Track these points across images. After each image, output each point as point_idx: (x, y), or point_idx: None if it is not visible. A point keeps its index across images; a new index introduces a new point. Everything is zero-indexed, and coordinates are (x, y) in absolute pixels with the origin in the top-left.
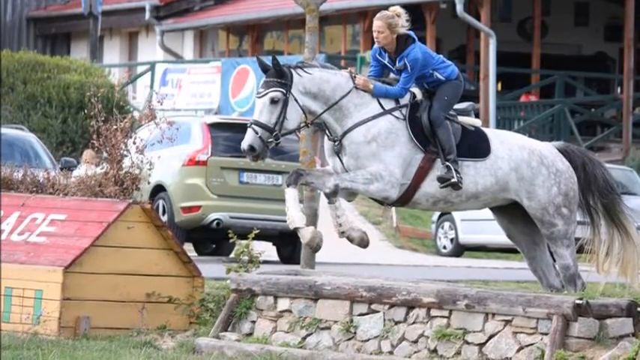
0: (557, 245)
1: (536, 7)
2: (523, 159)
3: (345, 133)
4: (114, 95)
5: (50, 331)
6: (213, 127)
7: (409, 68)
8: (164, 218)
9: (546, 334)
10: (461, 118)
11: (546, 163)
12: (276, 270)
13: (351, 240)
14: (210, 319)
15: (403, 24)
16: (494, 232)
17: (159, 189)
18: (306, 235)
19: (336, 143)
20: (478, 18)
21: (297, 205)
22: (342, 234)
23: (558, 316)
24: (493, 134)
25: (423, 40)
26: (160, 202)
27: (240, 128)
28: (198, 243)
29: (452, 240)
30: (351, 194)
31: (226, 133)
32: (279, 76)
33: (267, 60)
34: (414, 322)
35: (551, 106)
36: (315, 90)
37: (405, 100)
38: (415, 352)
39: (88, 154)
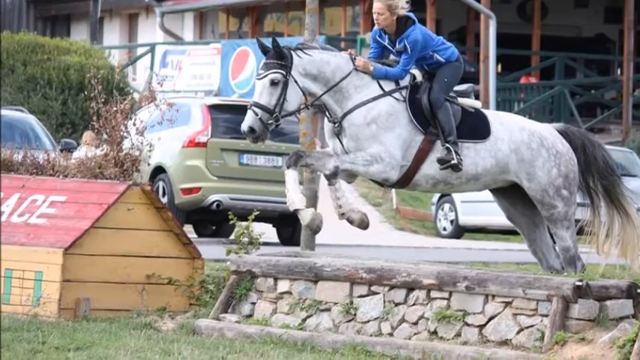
0: (557, 227)
1: None
2: (523, 141)
3: (345, 115)
4: (114, 77)
5: (50, 313)
6: (213, 108)
7: (409, 50)
8: (164, 200)
9: (546, 315)
10: (461, 100)
11: (546, 145)
12: (276, 252)
13: (351, 222)
14: (210, 301)
15: (403, 5)
16: (494, 214)
17: (159, 170)
18: (306, 216)
19: (336, 125)
20: None
21: (297, 186)
22: (342, 216)
23: (558, 297)
24: (493, 116)
25: (422, 22)
26: (160, 184)
27: (240, 110)
28: (198, 224)
29: (452, 222)
30: (351, 176)
31: (226, 115)
32: (279, 58)
33: (267, 42)
34: (414, 304)
35: (551, 87)
36: (315, 72)
37: (405, 81)
38: (415, 334)
39: (88, 135)
